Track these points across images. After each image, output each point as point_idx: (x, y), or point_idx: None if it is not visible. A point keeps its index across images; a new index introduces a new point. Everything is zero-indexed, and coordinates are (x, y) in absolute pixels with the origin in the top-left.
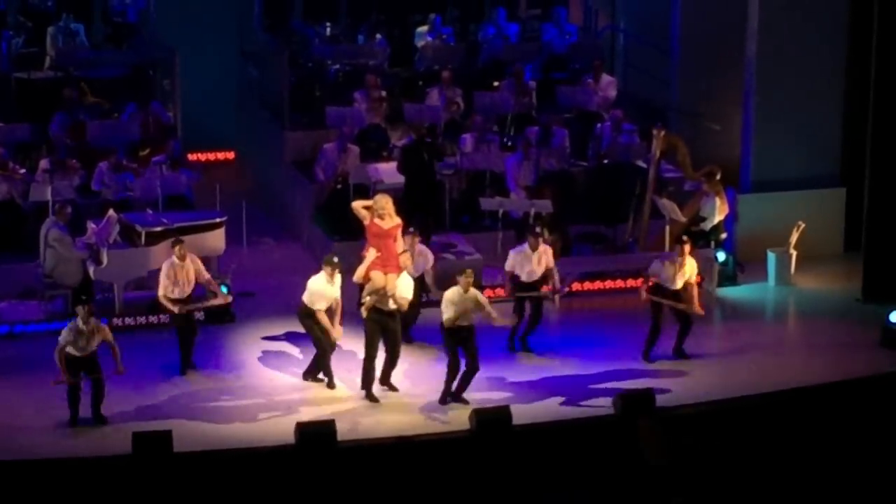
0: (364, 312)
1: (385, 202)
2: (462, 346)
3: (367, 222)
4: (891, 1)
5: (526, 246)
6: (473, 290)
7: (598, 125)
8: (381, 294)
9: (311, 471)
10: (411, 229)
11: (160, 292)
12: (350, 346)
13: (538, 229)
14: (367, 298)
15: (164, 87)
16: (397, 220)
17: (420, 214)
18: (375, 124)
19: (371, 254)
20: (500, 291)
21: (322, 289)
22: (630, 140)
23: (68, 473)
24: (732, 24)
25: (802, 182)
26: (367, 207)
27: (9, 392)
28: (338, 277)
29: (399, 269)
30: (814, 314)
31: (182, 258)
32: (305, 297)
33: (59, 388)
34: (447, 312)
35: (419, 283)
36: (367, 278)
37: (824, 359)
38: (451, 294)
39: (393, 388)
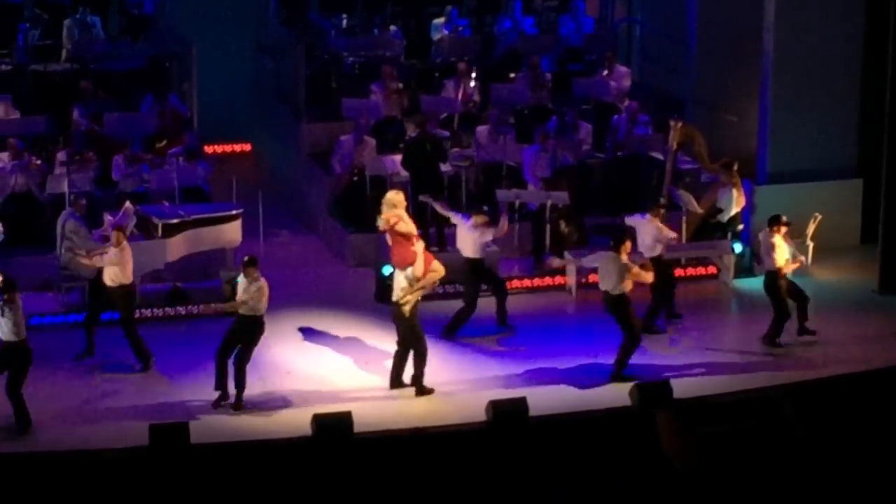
0: (409, 309)
1: (395, 197)
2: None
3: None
4: None
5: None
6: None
7: (615, 117)
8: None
9: (327, 462)
10: (486, 208)
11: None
12: (367, 339)
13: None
14: (412, 294)
15: (183, 88)
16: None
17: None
18: (392, 116)
19: (419, 245)
20: (516, 283)
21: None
22: (646, 131)
23: (86, 466)
24: (749, 15)
25: (819, 173)
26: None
27: (26, 384)
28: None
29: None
30: (830, 305)
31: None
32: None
33: (72, 380)
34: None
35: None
36: (428, 270)
37: (841, 350)
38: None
39: (403, 386)
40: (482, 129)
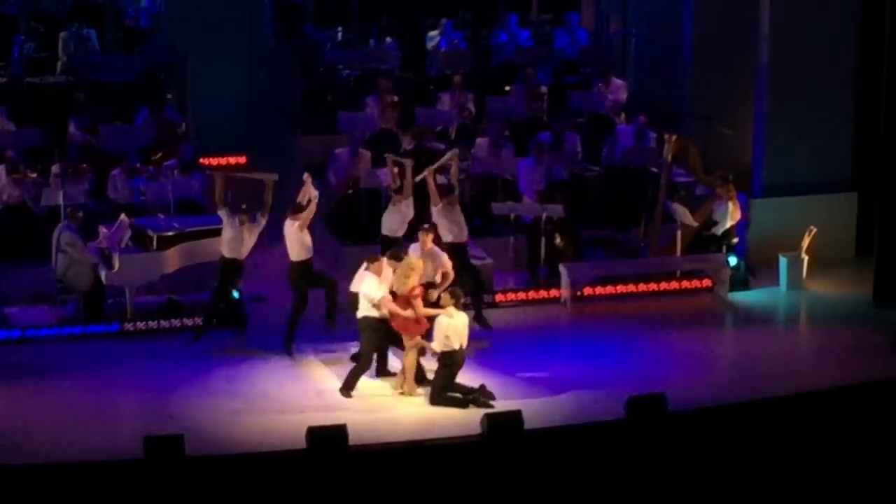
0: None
1: (418, 263)
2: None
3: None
4: None
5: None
6: None
7: (618, 127)
8: None
9: (322, 475)
10: (426, 226)
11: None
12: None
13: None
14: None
15: (170, 98)
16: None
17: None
18: (387, 129)
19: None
20: (511, 296)
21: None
22: (645, 145)
23: (80, 478)
24: (744, 28)
25: (814, 186)
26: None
27: (21, 396)
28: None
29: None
30: (825, 318)
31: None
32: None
33: (67, 392)
34: None
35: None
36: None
37: (836, 363)
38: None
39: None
40: (482, 142)
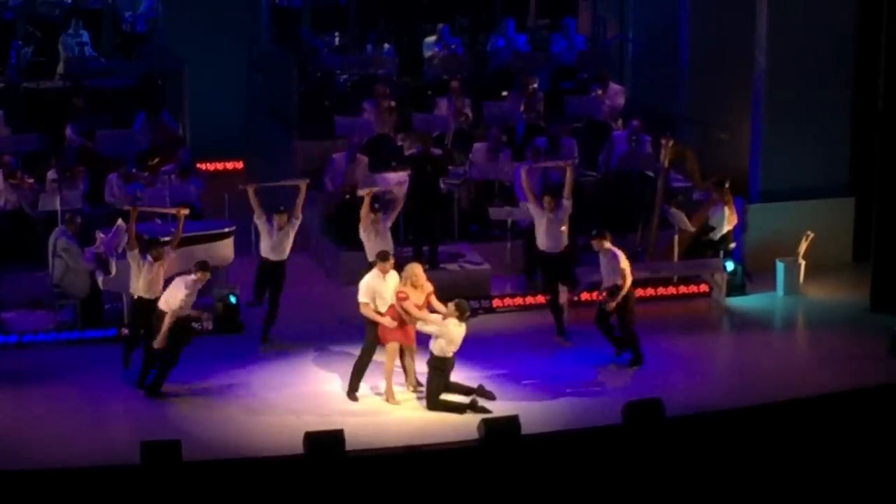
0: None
1: (418, 271)
2: None
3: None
4: None
5: None
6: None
7: (615, 133)
8: None
9: (319, 480)
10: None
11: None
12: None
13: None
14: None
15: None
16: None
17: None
18: (384, 134)
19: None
20: (508, 301)
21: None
22: (642, 150)
23: (77, 484)
24: (741, 33)
25: (811, 191)
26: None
27: (17, 401)
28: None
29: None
30: (822, 324)
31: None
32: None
33: (64, 397)
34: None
35: None
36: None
37: (833, 368)
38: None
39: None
40: (480, 147)
